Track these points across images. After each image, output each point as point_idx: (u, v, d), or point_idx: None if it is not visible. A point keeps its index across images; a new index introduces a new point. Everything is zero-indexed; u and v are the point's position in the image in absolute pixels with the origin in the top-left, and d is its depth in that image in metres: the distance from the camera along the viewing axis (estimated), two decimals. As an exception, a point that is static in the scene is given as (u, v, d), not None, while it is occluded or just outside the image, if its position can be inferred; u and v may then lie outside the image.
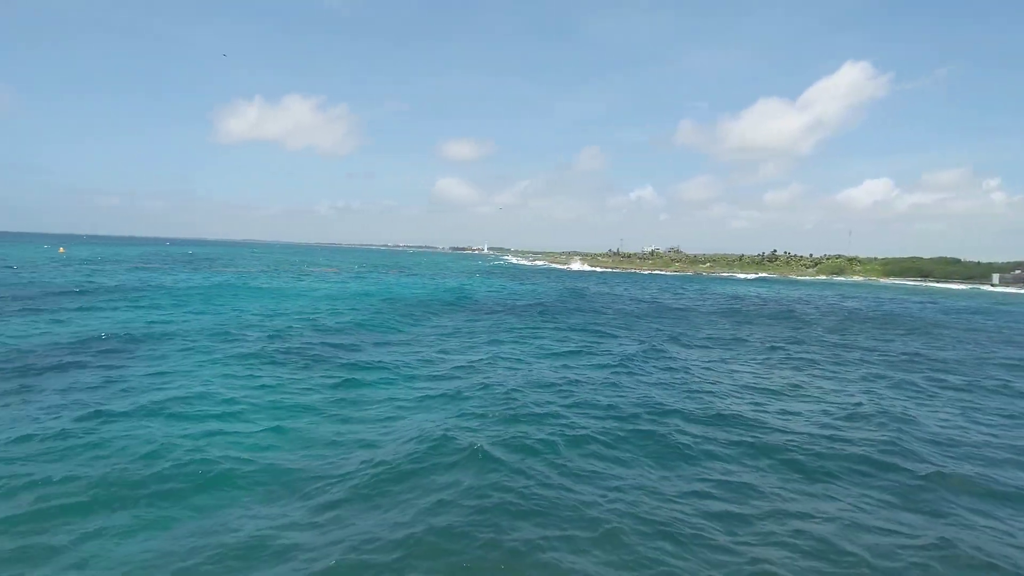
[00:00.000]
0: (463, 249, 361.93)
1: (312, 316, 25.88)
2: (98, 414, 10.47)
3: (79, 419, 10.19)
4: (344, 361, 16.36)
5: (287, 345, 18.06)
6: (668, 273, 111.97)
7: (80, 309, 24.14)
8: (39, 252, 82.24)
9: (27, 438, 9.24)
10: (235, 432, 10.11)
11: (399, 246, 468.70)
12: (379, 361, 16.65)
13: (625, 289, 57.37)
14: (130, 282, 38.83)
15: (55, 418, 10.28)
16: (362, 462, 9.03)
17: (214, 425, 10.41)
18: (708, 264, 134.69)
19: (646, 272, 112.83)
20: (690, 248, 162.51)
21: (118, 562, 6.27)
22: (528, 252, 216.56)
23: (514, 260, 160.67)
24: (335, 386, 13.57)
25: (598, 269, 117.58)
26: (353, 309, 29.32)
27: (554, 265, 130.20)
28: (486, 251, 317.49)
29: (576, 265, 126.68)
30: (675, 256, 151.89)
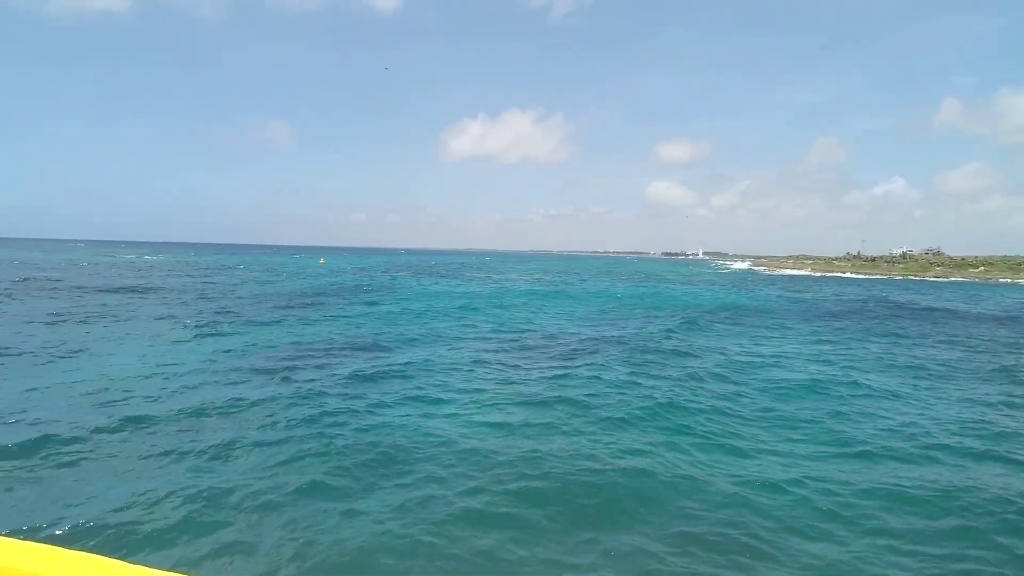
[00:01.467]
0: (676, 254, 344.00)
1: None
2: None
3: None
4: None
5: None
6: (935, 279, 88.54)
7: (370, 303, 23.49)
8: (310, 262, 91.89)
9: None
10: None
11: (609, 252, 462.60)
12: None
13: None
14: (415, 288, 35.62)
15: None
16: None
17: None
18: (981, 268, 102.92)
19: (898, 278, 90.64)
20: (953, 249, 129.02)
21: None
22: (760, 257, 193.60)
23: (740, 266, 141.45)
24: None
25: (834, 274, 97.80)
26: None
27: (805, 273, 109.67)
28: (701, 256, 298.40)
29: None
30: (935, 259, 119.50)
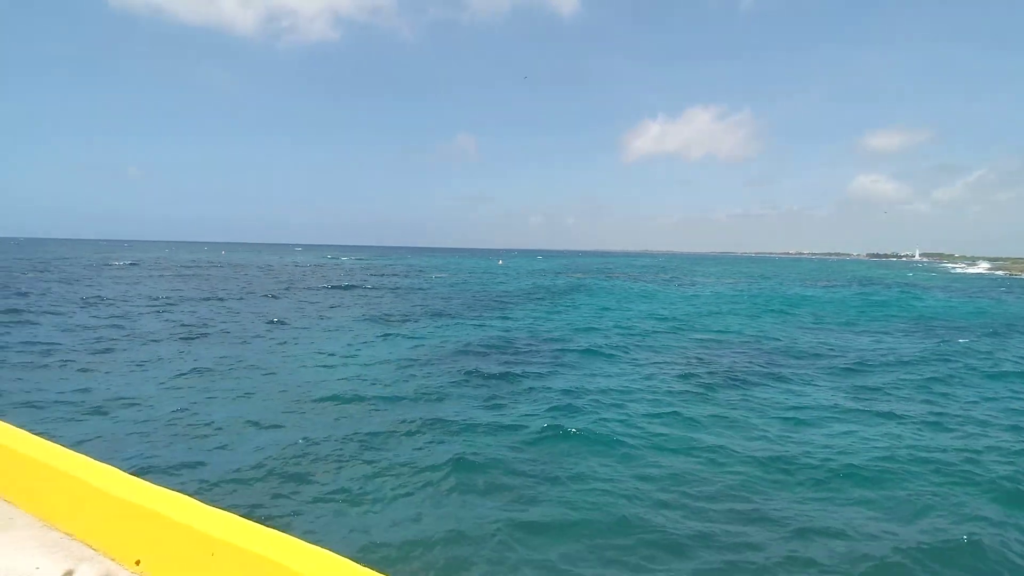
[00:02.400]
0: (884, 256, 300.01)
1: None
2: None
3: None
4: None
5: None
6: None
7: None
8: (491, 264, 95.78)
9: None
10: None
11: (802, 253, 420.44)
12: None
13: None
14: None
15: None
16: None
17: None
18: None
19: None
20: None
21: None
22: (999, 259, 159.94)
23: (975, 270, 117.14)
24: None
25: None
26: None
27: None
28: (917, 257, 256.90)
29: None
30: None
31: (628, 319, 25.59)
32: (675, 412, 10.57)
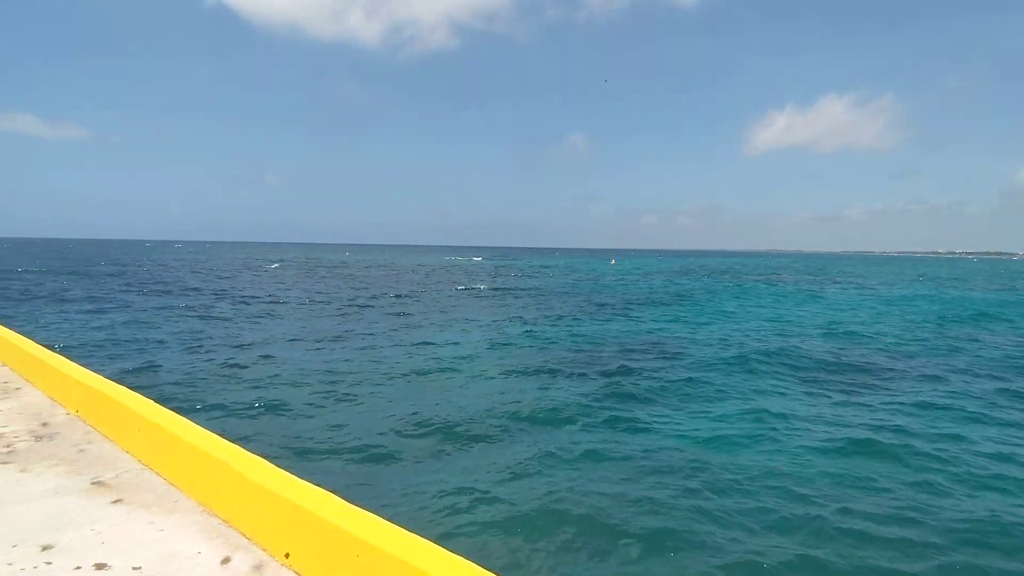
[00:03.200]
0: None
1: None
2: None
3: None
4: None
5: None
6: None
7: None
8: (603, 264, 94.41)
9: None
10: None
11: (954, 253, 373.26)
12: None
13: None
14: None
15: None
16: None
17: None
18: None
19: None
20: None
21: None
22: None
23: None
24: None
25: None
26: None
27: None
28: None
29: None
30: None
31: (806, 323, 23.75)
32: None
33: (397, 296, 33.62)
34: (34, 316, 21.61)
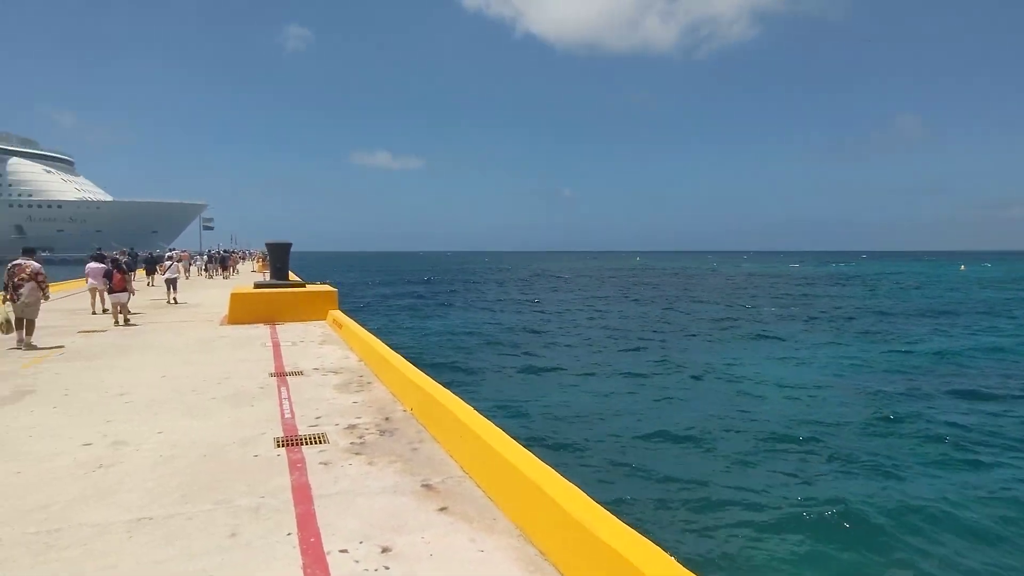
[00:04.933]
0: None
1: None
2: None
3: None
4: None
5: None
6: None
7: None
8: (950, 271, 77.41)
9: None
10: None
11: None
12: None
13: None
14: None
15: None
16: None
17: None
18: None
19: None
20: None
21: None
22: None
23: None
24: None
25: None
26: None
27: None
28: None
29: None
30: None
31: None
32: None
33: (702, 303, 32.41)
34: (391, 318, 26.64)
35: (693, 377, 14.05)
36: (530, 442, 6.98)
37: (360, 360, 7.45)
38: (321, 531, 2.89)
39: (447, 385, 5.03)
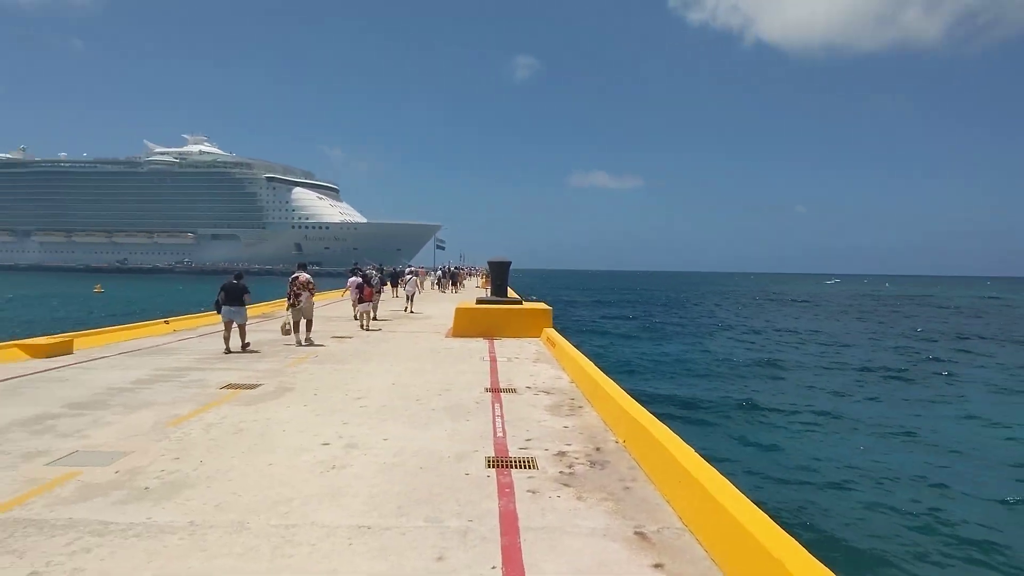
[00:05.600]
0: None
1: None
2: None
3: None
4: None
5: None
6: None
7: None
8: None
9: None
10: None
11: None
12: None
13: None
14: None
15: None
16: None
17: None
18: None
19: None
20: None
21: None
22: None
23: None
24: None
25: None
26: None
27: None
28: None
29: None
30: None
31: None
32: None
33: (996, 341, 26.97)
34: (603, 339, 26.62)
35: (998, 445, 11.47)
36: (761, 498, 6.18)
37: (571, 382, 7.35)
38: (526, 570, 2.72)
39: (662, 418, 4.63)
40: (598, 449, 4.61)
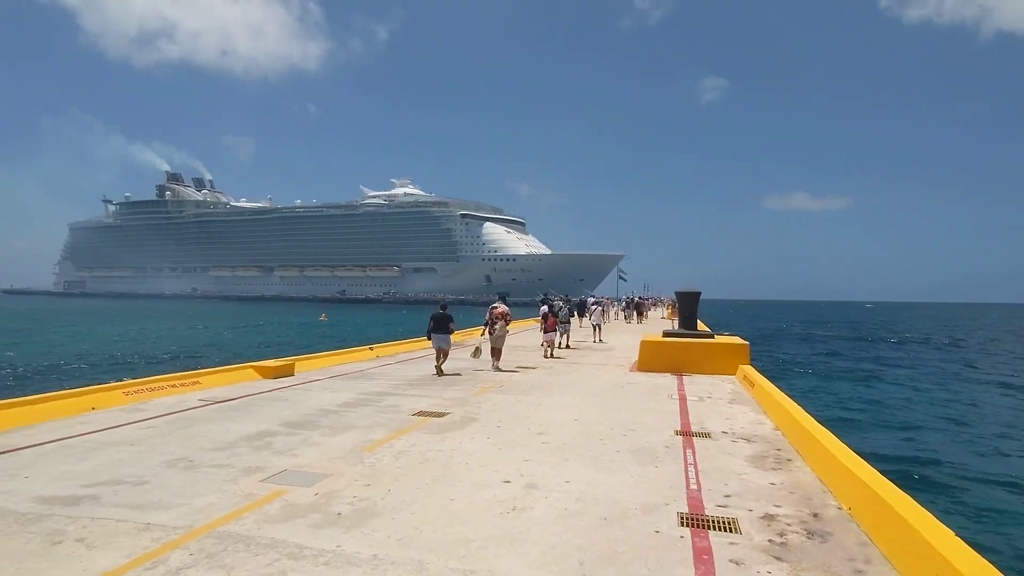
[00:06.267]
0: None
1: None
2: None
3: None
4: None
5: None
6: None
7: None
8: None
9: None
10: None
11: None
12: None
13: None
14: None
15: None
16: None
17: None
18: None
19: None
20: None
21: None
22: None
23: None
24: None
25: None
26: None
27: None
28: None
29: None
30: None
31: None
32: None
33: None
34: (811, 380, 23.96)
35: None
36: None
37: (776, 428, 6.49)
38: (732, 668, 2.26)
39: (898, 483, 3.78)
40: (816, 515, 3.89)
